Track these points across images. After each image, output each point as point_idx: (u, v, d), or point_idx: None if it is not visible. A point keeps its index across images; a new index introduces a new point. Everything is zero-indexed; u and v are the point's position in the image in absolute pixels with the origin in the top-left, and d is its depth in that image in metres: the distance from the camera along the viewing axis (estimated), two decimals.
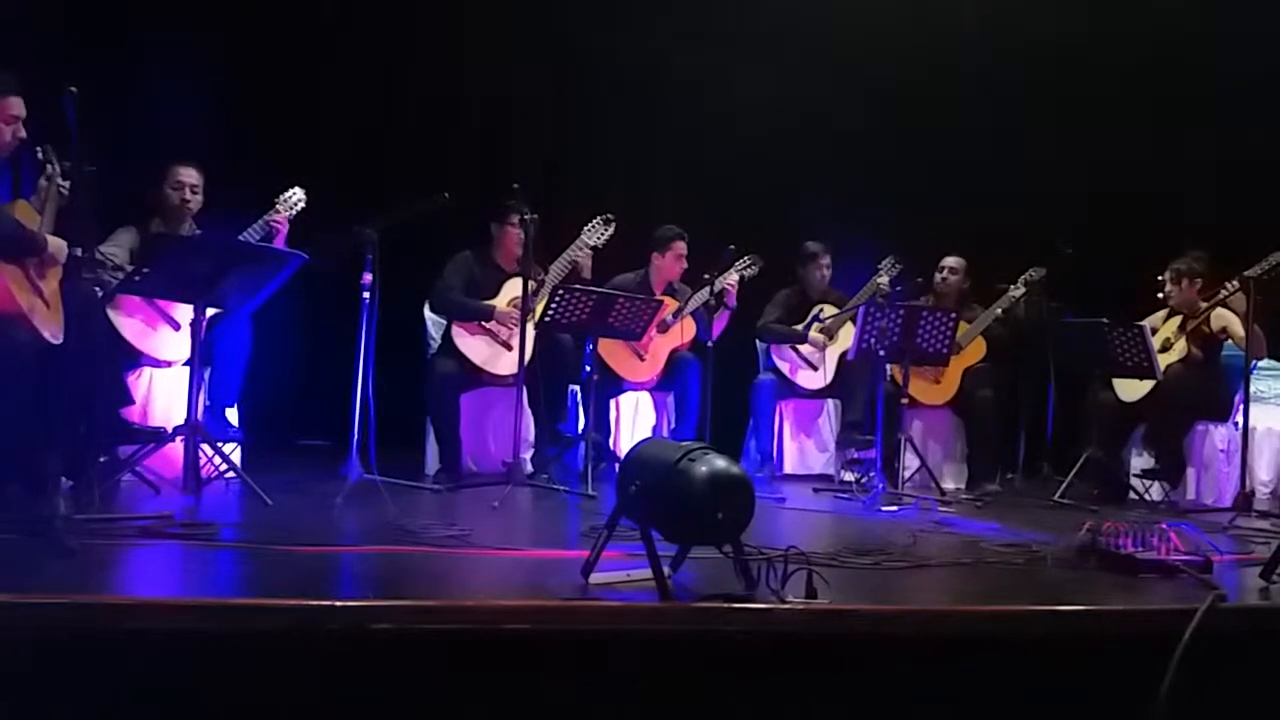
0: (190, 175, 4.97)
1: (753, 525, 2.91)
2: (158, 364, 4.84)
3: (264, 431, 5.39)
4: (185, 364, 4.67)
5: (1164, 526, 3.49)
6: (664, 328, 5.86)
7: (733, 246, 5.66)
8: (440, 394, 5.36)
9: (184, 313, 4.69)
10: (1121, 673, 2.80)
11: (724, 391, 5.61)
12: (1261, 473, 5.65)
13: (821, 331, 6.14)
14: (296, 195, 5.00)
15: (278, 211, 4.94)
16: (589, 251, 5.52)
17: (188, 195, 4.95)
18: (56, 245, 3.94)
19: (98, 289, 4.25)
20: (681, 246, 5.98)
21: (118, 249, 4.78)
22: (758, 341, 6.35)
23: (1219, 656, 2.79)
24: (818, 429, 6.24)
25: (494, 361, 5.41)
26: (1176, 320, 5.67)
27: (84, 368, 3.83)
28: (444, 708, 2.62)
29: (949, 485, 5.79)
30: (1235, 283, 5.27)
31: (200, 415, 4.51)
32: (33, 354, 3.78)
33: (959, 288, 6.16)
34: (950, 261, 6.18)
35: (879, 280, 5.98)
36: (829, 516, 4.91)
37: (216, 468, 4.56)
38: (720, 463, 2.86)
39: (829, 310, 6.15)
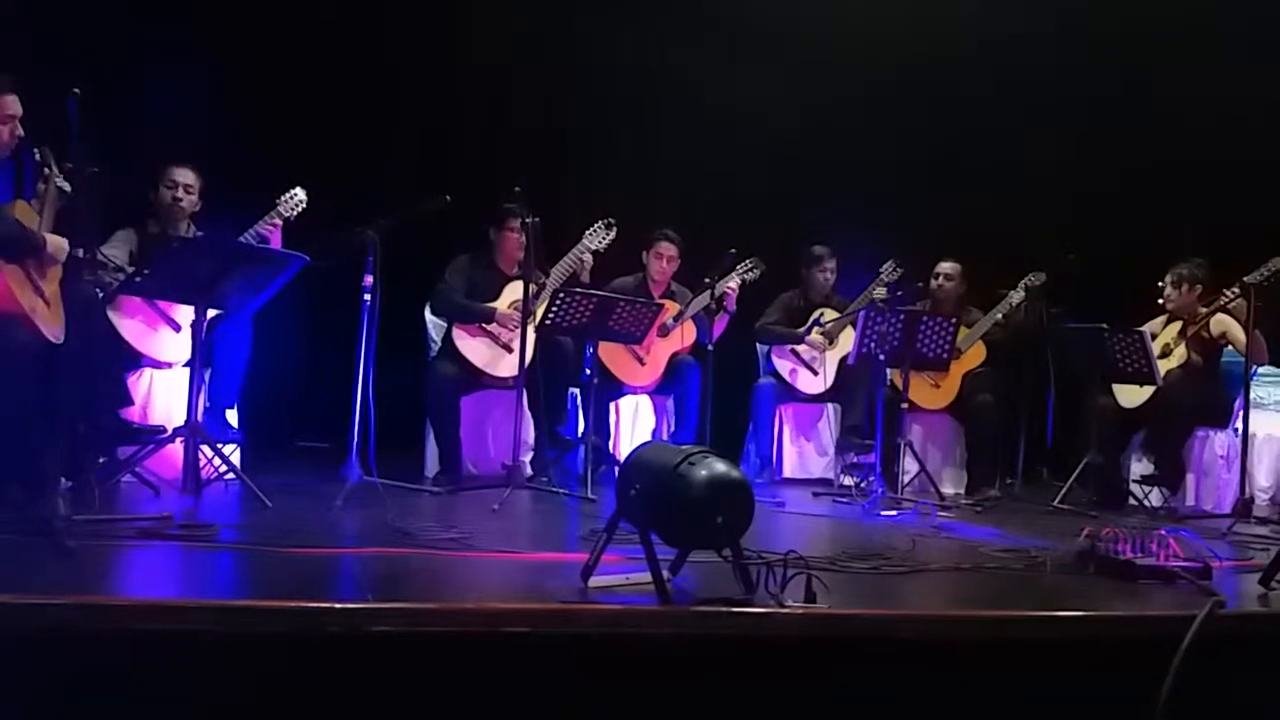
0: (185, 176, 4.97)
1: (752, 529, 2.91)
2: (158, 365, 4.84)
3: (264, 433, 5.39)
4: (185, 365, 4.68)
5: (1163, 532, 3.49)
6: (664, 331, 5.85)
7: (733, 250, 5.65)
8: (440, 396, 5.36)
9: (184, 314, 4.69)
10: (1120, 679, 2.80)
11: (724, 395, 5.60)
12: (1261, 479, 5.63)
13: (822, 335, 6.13)
14: (298, 195, 4.99)
15: (279, 213, 4.93)
16: (590, 255, 5.52)
17: (180, 194, 4.94)
18: (56, 244, 3.94)
19: (98, 290, 4.26)
20: (666, 247, 5.96)
21: (117, 250, 4.78)
22: (758, 344, 6.35)
23: (1218, 663, 2.79)
24: (817, 433, 6.24)
25: (494, 364, 5.41)
26: (1176, 326, 5.67)
27: (84, 368, 3.83)
28: (442, 710, 2.62)
29: (948, 490, 5.79)
30: (1235, 289, 5.27)
31: (200, 416, 4.51)
32: (33, 354, 3.77)
33: (955, 293, 6.16)
34: (945, 267, 6.17)
35: (879, 284, 5.97)
36: (828, 521, 4.91)
37: (216, 469, 4.55)
38: (720, 466, 2.86)
39: (829, 314, 6.15)
